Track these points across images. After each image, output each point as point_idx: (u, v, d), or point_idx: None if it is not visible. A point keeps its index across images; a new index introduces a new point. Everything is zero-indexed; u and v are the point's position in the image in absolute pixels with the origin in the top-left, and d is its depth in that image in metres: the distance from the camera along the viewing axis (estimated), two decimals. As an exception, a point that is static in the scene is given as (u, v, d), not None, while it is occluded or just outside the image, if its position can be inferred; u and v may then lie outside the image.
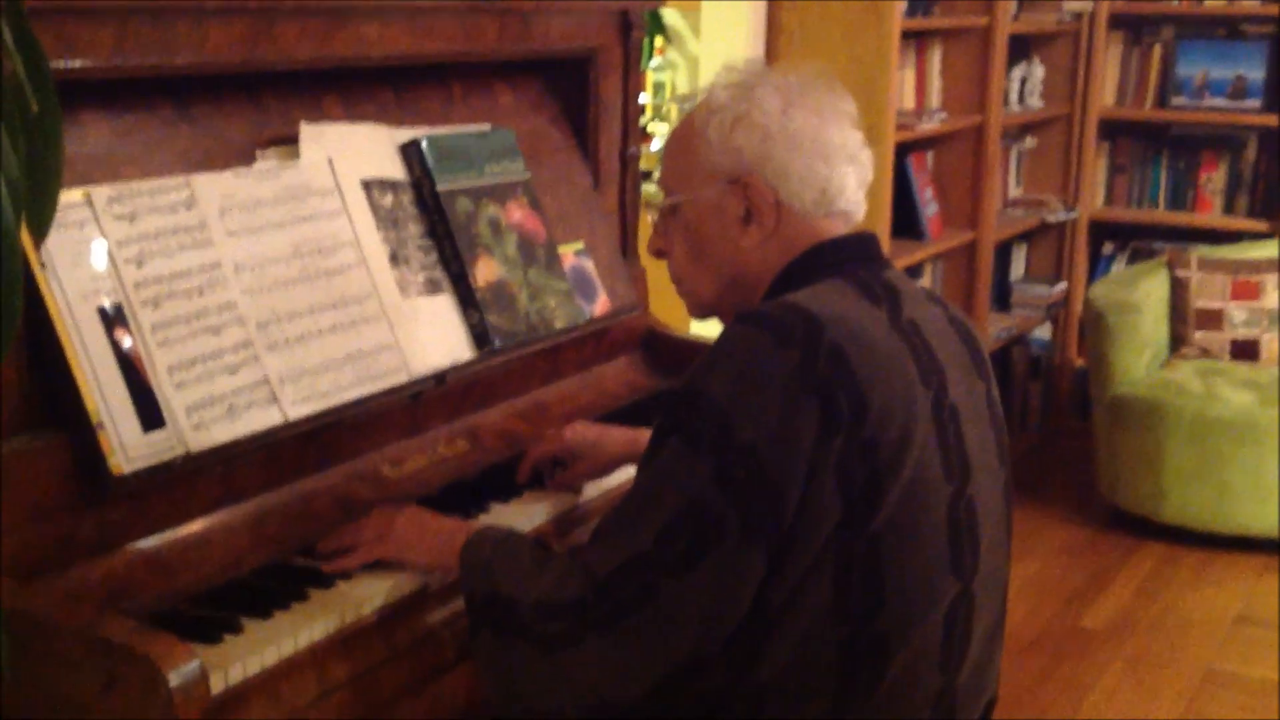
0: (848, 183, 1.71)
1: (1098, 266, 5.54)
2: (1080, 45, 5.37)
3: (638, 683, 1.55)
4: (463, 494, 2.01)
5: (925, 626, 1.58)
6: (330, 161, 1.97)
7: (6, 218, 1.05)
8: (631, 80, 2.55)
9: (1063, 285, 5.48)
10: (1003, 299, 5.37)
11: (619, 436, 2.11)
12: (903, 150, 4.48)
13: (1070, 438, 5.41)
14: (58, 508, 1.59)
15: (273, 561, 1.78)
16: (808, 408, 1.50)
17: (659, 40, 4.46)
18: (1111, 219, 5.48)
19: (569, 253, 2.34)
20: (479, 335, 2.09)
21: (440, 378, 2.03)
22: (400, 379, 1.96)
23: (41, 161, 1.09)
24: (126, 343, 1.65)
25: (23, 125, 1.07)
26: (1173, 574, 4.25)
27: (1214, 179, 5.29)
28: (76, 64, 1.64)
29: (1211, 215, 5.31)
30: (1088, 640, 3.81)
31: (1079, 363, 5.49)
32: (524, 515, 1.99)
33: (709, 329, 1.89)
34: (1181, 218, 5.34)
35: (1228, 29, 5.23)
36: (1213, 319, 4.73)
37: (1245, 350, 4.71)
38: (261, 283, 1.82)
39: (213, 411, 1.71)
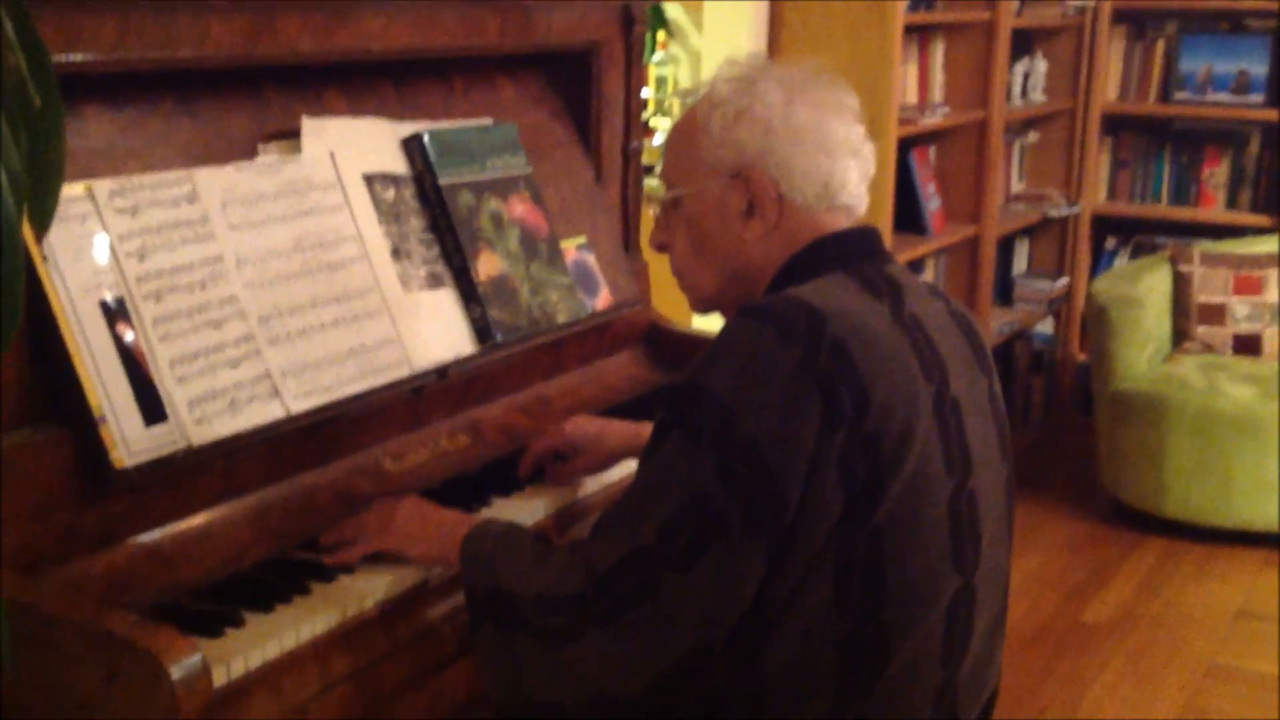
0: (850, 177, 1.71)
1: (1100, 261, 5.53)
2: (1083, 40, 5.36)
3: (638, 677, 1.55)
4: (464, 488, 2.01)
5: (926, 621, 1.58)
6: (332, 155, 1.97)
7: (8, 211, 1.05)
8: (633, 74, 2.55)
9: (1065, 280, 5.47)
10: (1005, 294, 5.36)
11: (620, 430, 2.11)
12: (905, 145, 4.48)
13: (1072, 432, 5.41)
14: (59, 501, 1.59)
15: (274, 555, 1.78)
16: (810, 402, 1.50)
17: (661, 35, 4.46)
18: (1114, 214, 5.48)
19: (571, 247, 2.34)
20: (481, 329, 2.09)
21: (442, 372, 2.03)
22: (402, 373, 1.96)
23: (43, 155, 1.09)
24: (128, 336, 1.65)
25: (24, 119, 1.07)
26: (1174, 569, 4.26)
27: (1217, 174, 5.29)
28: (78, 57, 1.63)
29: (1214, 210, 5.30)
30: (1089, 635, 3.81)
31: (1081, 357, 5.49)
32: (525, 509, 1.99)
33: (711, 323, 1.89)
34: (1184, 212, 5.33)
35: (1231, 23, 5.22)
36: (1215, 314, 4.73)
37: (1247, 345, 4.70)
38: (263, 277, 1.82)
39: (214, 405, 1.71)
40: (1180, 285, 4.77)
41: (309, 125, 1.96)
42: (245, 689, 1.54)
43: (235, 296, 1.78)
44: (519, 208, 2.22)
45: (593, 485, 2.11)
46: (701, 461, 1.51)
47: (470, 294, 2.09)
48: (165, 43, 1.73)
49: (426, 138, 2.10)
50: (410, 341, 1.98)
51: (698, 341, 2.50)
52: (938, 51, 4.76)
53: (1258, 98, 5.14)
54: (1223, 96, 5.20)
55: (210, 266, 1.76)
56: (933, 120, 4.47)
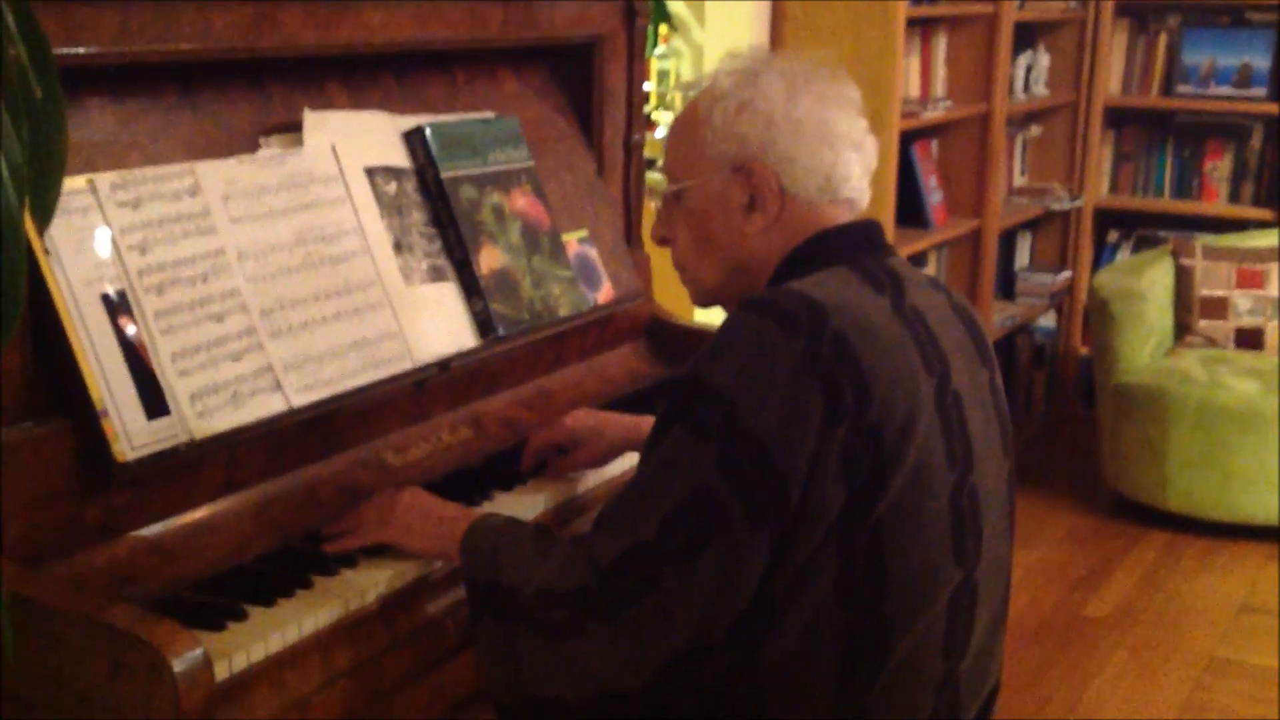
0: (852, 170, 1.70)
1: (1102, 255, 5.53)
2: (1086, 33, 5.36)
3: (639, 672, 1.55)
4: (466, 481, 2.01)
5: (928, 615, 1.58)
6: (334, 149, 1.97)
7: (10, 204, 1.05)
8: (636, 67, 2.55)
9: (1067, 273, 5.47)
10: (1007, 287, 5.36)
11: (621, 424, 2.11)
12: (907, 138, 4.48)
13: (1074, 426, 5.41)
14: (62, 495, 1.59)
15: (276, 548, 1.78)
16: (811, 396, 1.50)
17: (663, 28, 4.46)
18: (1116, 207, 5.47)
19: (573, 240, 2.33)
20: (483, 323, 2.09)
21: (444, 365, 2.03)
22: (404, 366, 1.96)
23: (45, 148, 1.09)
24: (130, 330, 1.65)
25: (26, 111, 1.06)
26: (1176, 562, 4.26)
27: (1219, 167, 5.28)
28: (80, 50, 1.63)
29: (1216, 203, 5.30)
30: (1091, 628, 3.81)
31: (1083, 351, 5.49)
32: (526, 503, 1.99)
33: (713, 317, 1.89)
34: (1186, 206, 5.33)
35: (1233, 17, 5.21)
36: (1217, 307, 4.72)
37: (1249, 339, 4.70)
38: (265, 270, 1.82)
39: (216, 399, 1.71)
40: (1182, 279, 4.77)
41: (311, 118, 1.96)
42: (247, 682, 1.54)
43: (237, 290, 1.78)
44: (521, 201, 2.22)
45: (594, 479, 2.11)
46: (703, 455, 1.51)
47: (472, 287, 2.09)
48: (167, 35, 1.73)
49: (428, 131, 2.09)
50: (412, 335, 1.98)
51: (699, 335, 2.50)
52: (940, 45, 4.76)
53: (1260, 91, 5.14)
54: (1225, 90, 5.19)
55: (212, 260, 1.76)
56: (935, 114, 4.47)
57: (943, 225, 4.68)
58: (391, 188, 2.04)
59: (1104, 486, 4.67)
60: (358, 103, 2.08)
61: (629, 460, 2.10)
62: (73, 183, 1.64)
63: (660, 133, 4.32)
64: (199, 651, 1.42)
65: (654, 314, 2.59)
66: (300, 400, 1.81)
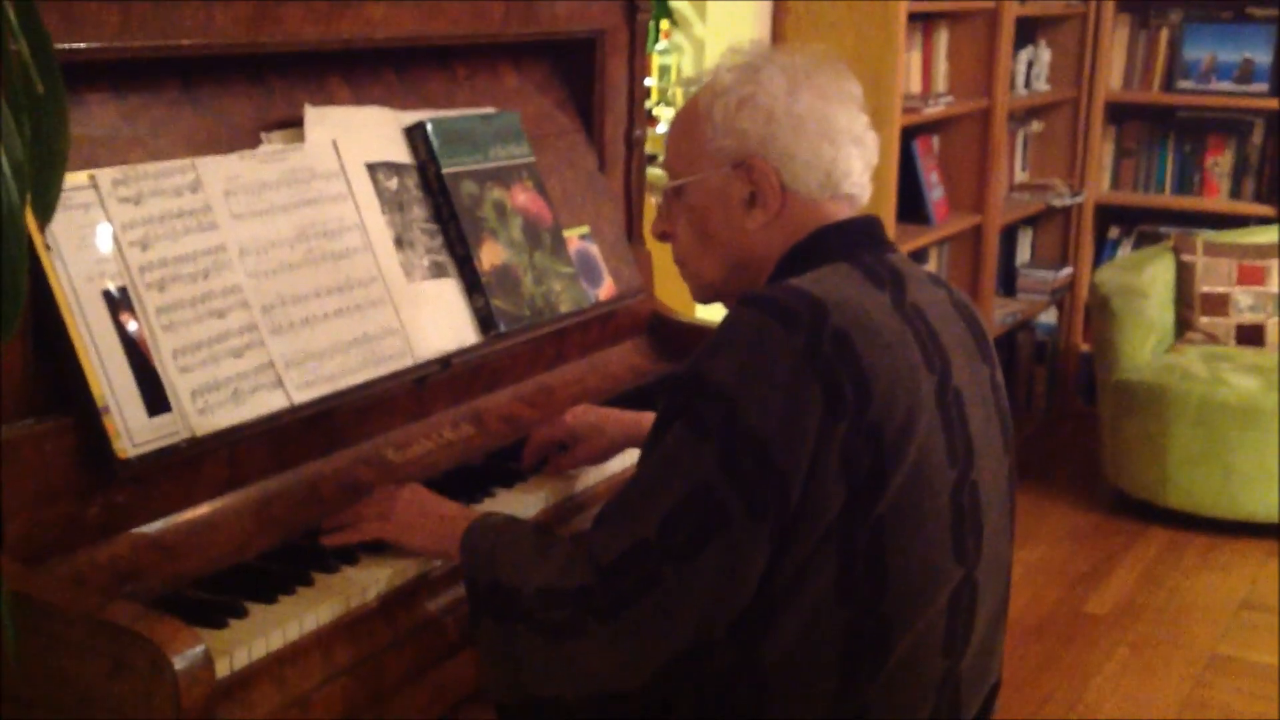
0: (853, 166, 1.70)
1: (1103, 251, 5.53)
2: (1087, 28, 5.35)
3: (640, 671, 1.55)
4: (467, 478, 2.01)
5: (928, 612, 1.57)
6: (335, 144, 1.96)
7: (11, 199, 1.05)
8: (637, 63, 2.55)
9: (1068, 270, 5.47)
10: (1008, 283, 5.36)
11: (622, 420, 2.10)
12: (908, 134, 4.47)
13: (1075, 422, 5.41)
14: (63, 491, 1.59)
15: (278, 545, 1.78)
16: (812, 393, 1.49)
17: (664, 23, 4.45)
18: (1117, 203, 5.47)
19: (574, 236, 2.33)
20: (484, 319, 2.09)
21: (445, 362, 2.03)
22: (405, 363, 1.96)
23: (46, 143, 1.08)
24: (131, 326, 1.65)
25: (28, 106, 1.06)
26: (1177, 559, 4.25)
27: (1220, 163, 5.28)
28: (82, 45, 1.63)
29: (1218, 199, 5.29)
30: (1092, 625, 3.81)
31: (1084, 348, 5.49)
32: (527, 500, 1.98)
33: (713, 313, 1.89)
34: (1188, 202, 5.32)
35: (1234, 12, 5.21)
36: (1218, 304, 4.72)
37: (1251, 335, 4.70)
38: (266, 266, 1.82)
39: (218, 395, 1.71)
40: (1183, 275, 4.76)
41: (312, 114, 1.96)
42: (248, 680, 1.54)
43: (238, 286, 1.77)
44: (522, 197, 2.22)
45: (595, 476, 2.10)
46: (704, 453, 1.51)
47: (473, 283, 2.09)
48: (168, 30, 1.73)
49: (430, 126, 2.09)
50: (413, 331, 1.98)
51: (700, 331, 2.50)
52: (941, 40, 4.75)
53: (1261, 86, 5.14)
54: (1226, 85, 5.19)
55: (213, 256, 1.76)
56: (936, 109, 4.47)
57: (944, 221, 4.67)
58: (393, 183, 2.03)
59: (1105, 483, 4.67)
60: (359, 98, 2.08)
61: (630, 457, 2.10)
62: (74, 178, 1.64)
63: (661, 128, 4.31)
64: (200, 649, 1.42)
65: (655, 310, 2.59)
66: (301, 397, 1.80)
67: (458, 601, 1.76)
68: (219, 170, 1.80)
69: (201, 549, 1.71)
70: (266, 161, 1.87)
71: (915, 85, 4.59)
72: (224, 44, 1.81)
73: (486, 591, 1.63)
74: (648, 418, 1.86)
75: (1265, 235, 4.83)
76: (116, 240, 1.66)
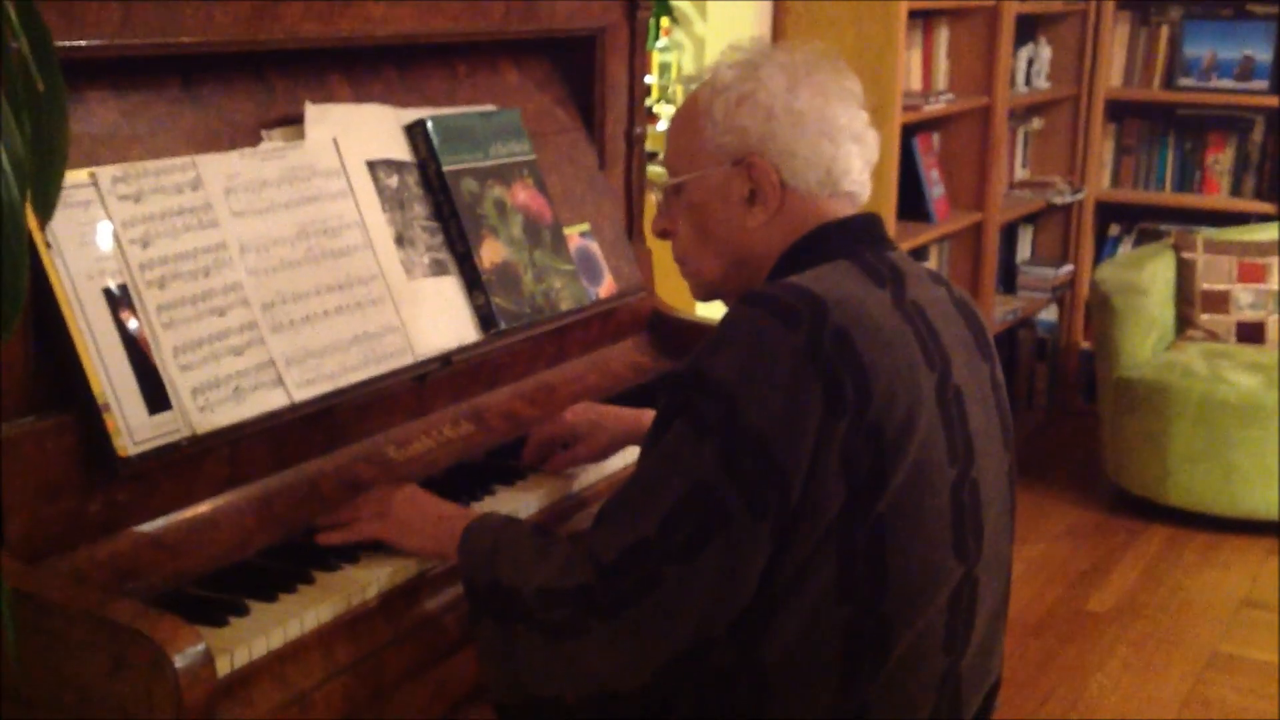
0: (853, 163, 1.70)
1: (1104, 248, 5.53)
2: (1087, 26, 5.35)
3: (641, 670, 1.55)
4: (467, 476, 2.01)
5: (929, 611, 1.57)
6: (335, 142, 1.96)
7: (12, 197, 1.05)
8: (638, 60, 2.54)
9: (1069, 267, 5.47)
10: (1009, 281, 5.36)
11: (622, 417, 2.10)
12: (909, 131, 4.47)
13: (1076, 420, 5.41)
14: (63, 489, 1.59)
15: (278, 543, 1.77)
16: (812, 391, 1.49)
17: (665, 21, 4.45)
18: (1118, 200, 5.47)
19: (574, 234, 2.33)
20: (484, 317, 2.09)
21: (445, 359, 2.03)
22: (405, 361, 1.96)
23: (47, 141, 1.08)
24: (132, 324, 1.65)
25: (28, 104, 1.06)
26: (1178, 557, 4.25)
27: (1221, 160, 5.28)
28: (82, 42, 1.63)
29: (1218, 197, 5.29)
30: (1092, 623, 3.81)
31: (1085, 345, 5.49)
32: (528, 498, 1.98)
33: (714, 311, 1.89)
34: (1188, 199, 5.32)
35: (1235, 9, 5.21)
36: (1219, 301, 4.72)
37: (1251, 333, 4.70)
38: (267, 264, 1.82)
39: (218, 393, 1.71)
40: (1184, 272, 4.76)
41: (312, 111, 1.96)
42: (249, 678, 1.54)
43: (239, 284, 1.77)
44: (522, 194, 2.22)
45: (595, 474, 2.10)
46: (704, 451, 1.51)
47: (474, 281, 2.09)
48: (168, 27, 1.73)
49: (430, 124, 2.09)
50: (414, 329, 1.98)
51: (701, 329, 2.50)
52: (942, 37, 4.75)
53: (1261, 84, 5.13)
54: (1227, 83, 5.19)
55: (214, 254, 1.76)
56: (936, 107, 4.46)
57: (944, 219, 4.67)
58: (393, 181, 2.03)
59: (1105, 481, 4.67)
60: (359, 95, 2.08)
61: (630, 455, 2.10)
62: (74, 176, 1.64)
63: (662, 126, 4.31)
64: (201, 647, 1.42)
65: (655, 308, 2.59)
66: (302, 395, 1.80)
67: (458, 599, 1.76)
68: (219, 168, 1.80)
69: (202, 547, 1.71)
70: (267, 159, 1.87)
71: (915, 83, 4.59)
72: (224, 41, 1.81)
73: (486, 592, 1.63)
74: (648, 415, 1.86)
75: (1266, 232, 4.83)
76: (117, 238, 1.66)
